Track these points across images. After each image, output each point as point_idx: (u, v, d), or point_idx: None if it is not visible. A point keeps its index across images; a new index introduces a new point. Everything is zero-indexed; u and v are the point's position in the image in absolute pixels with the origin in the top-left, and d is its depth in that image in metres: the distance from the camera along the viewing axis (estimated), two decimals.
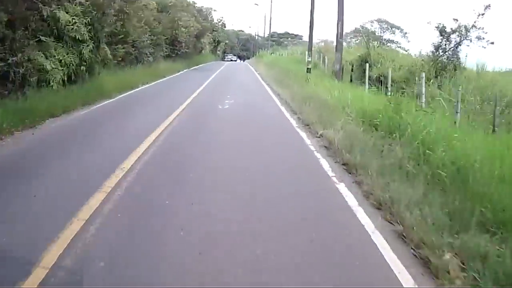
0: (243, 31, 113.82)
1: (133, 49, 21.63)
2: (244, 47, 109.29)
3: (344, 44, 25.92)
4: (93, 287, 2.94)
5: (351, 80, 19.54)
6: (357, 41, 46.31)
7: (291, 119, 10.66)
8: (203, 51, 51.85)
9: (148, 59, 24.82)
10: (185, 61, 35.22)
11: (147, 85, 18.52)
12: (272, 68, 30.77)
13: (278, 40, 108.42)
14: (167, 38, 29.36)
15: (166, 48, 30.40)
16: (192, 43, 37.59)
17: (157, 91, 17.64)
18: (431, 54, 14.10)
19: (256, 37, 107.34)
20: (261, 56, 49.13)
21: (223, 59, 68.07)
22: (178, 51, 31.82)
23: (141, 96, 15.05)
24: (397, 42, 57.58)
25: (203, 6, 62.39)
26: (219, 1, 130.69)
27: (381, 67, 16.07)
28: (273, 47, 73.77)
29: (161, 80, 22.41)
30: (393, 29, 65.24)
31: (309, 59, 21.74)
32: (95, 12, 12.91)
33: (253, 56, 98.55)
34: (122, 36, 19.20)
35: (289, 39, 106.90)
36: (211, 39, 63.41)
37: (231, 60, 66.59)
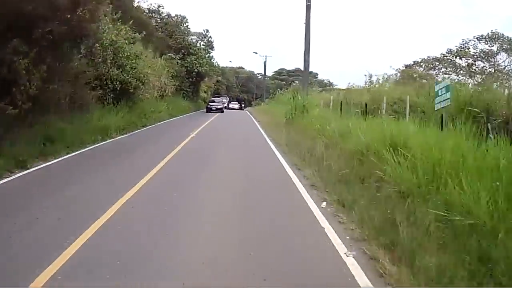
0: (243, 68, 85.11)
1: None
2: (244, 88, 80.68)
3: None
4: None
5: None
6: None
7: None
8: (147, 93, 20.12)
9: None
10: None
11: None
12: None
13: (287, 78, 79.86)
14: None
15: None
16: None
17: None
18: None
19: (259, 76, 79.86)
20: (302, 109, 16.18)
21: (208, 107, 34.93)
22: None
23: None
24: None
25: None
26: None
27: None
28: (294, 87, 42.96)
29: None
30: None
31: None
32: None
33: (258, 100, 68.08)
34: None
35: (301, 76, 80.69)
36: (183, 69, 32.09)
37: (218, 109, 33.30)
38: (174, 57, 29.75)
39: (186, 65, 32.83)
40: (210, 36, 40.12)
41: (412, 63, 39.51)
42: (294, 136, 12.40)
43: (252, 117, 28.69)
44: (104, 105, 15.29)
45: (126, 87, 15.99)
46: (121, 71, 15.88)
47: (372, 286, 3.49)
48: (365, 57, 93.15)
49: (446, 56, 36.95)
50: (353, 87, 26.83)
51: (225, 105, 47.07)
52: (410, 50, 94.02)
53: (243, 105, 57.05)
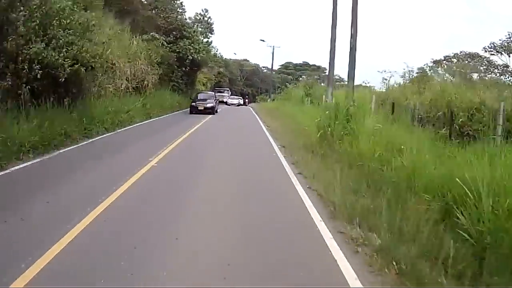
0: (248, 60, 79.55)
1: None
2: (249, 82, 75.38)
3: None
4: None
5: None
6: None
7: None
8: (110, 84, 13.88)
9: None
10: None
11: None
12: None
13: (294, 72, 76.94)
14: None
15: None
16: None
17: None
18: None
19: (265, 70, 75.20)
20: None
21: (192, 106, 23.37)
22: None
23: None
24: None
25: None
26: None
27: None
28: (306, 82, 36.79)
29: None
30: None
31: None
32: None
33: (263, 95, 61.65)
34: None
35: (308, 71, 74.86)
36: (173, 55, 25.86)
37: (208, 109, 22.13)
38: (159, 37, 23.36)
39: (177, 50, 26.50)
40: (209, 17, 33.62)
41: (443, 58, 33.80)
42: (351, 184, 6.03)
43: (258, 119, 22.26)
44: (16, 103, 9.14)
45: (55, 73, 9.74)
46: (50, 48, 9.63)
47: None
48: (364, 54, 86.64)
49: (490, 51, 31.09)
50: (366, 83, 20.87)
51: (225, 100, 40.57)
52: (410, 48, 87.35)
53: (246, 101, 50.58)
